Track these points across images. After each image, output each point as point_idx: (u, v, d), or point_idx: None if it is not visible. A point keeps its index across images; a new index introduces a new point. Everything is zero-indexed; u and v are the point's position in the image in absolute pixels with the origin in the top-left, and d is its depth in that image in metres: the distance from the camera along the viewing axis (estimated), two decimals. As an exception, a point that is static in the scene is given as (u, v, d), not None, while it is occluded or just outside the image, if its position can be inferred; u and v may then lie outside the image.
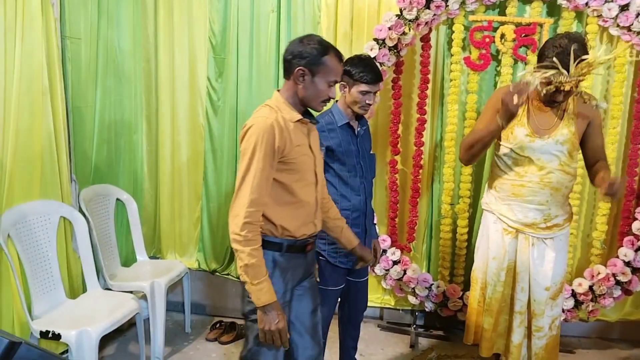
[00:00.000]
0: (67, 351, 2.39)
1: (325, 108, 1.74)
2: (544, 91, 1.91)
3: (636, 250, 2.77)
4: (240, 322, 3.05)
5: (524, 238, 2.12)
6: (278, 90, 1.67)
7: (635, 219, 2.81)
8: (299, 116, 1.62)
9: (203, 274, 3.23)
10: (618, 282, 2.82)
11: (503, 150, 2.13)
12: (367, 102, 2.09)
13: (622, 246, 2.84)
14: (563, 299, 2.50)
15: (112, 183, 2.97)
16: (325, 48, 1.59)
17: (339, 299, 2.38)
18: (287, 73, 1.62)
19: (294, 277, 1.69)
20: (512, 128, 2.06)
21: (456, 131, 2.88)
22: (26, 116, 2.35)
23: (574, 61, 1.82)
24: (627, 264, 2.80)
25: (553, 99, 1.95)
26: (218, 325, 3.03)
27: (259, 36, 2.95)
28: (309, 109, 1.69)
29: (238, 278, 3.17)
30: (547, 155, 2.03)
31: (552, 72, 1.85)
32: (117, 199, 2.94)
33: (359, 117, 2.21)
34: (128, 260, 3.02)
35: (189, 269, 3.10)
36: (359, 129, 2.20)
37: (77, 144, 2.78)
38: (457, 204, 2.97)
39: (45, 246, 2.38)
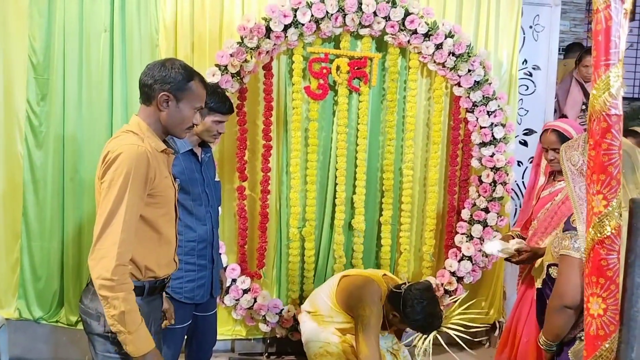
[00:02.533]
0: None
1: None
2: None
3: (459, 261, 3.11)
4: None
5: None
6: (136, 115, 1.53)
7: (457, 233, 3.18)
8: (164, 145, 1.51)
9: (26, 323, 2.80)
10: (446, 291, 3.14)
11: None
12: (219, 131, 2.08)
13: (448, 258, 3.17)
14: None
15: None
16: (190, 73, 1.51)
17: (189, 336, 2.26)
18: (148, 98, 1.49)
19: (155, 322, 1.56)
20: None
21: (300, 157, 2.97)
22: None
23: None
24: (453, 273, 3.14)
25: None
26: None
27: (89, 56, 2.71)
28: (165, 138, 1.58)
29: (69, 325, 2.84)
30: None
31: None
32: None
33: (203, 145, 2.16)
34: None
35: (7, 319, 2.68)
36: (202, 155, 2.14)
37: None
38: (303, 227, 3.04)
39: None
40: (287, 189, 3.02)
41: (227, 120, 2.11)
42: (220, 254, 2.53)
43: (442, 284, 3.13)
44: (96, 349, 1.45)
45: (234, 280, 2.94)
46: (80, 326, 2.77)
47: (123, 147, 1.39)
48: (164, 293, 1.71)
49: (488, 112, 3.02)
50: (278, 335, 3.06)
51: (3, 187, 2.75)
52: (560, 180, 2.17)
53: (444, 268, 3.16)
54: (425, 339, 2.38)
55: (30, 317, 2.79)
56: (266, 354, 3.07)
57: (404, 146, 3.10)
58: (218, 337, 2.44)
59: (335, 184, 3.03)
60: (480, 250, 3.05)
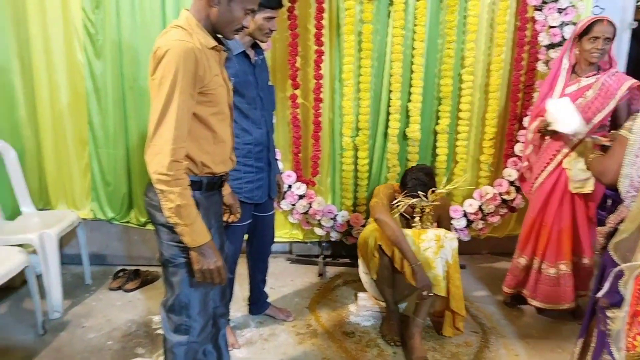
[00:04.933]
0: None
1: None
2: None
3: (519, 170, 3.02)
4: (144, 269, 2.97)
5: None
6: (187, 10, 1.48)
7: (518, 142, 3.05)
8: (214, 42, 1.46)
9: (100, 223, 3.05)
10: (504, 201, 3.08)
11: None
12: (270, 28, 2.02)
13: (507, 167, 3.08)
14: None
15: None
16: None
17: (249, 235, 2.38)
18: None
19: (215, 216, 1.62)
20: None
21: (353, 63, 2.88)
22: None
23: (430, 191, 2.34)
24: (511, 183, 3.06)
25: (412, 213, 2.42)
26: (121, 273, 2.91)
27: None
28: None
29: (139, 225, 3.06)
30: None
31: (415, 200, 2.34)
32: (-9, 148, 2.64)
33: (255, 46, 2.13)
34: (12, 213, 2.77)
35: (84, 219, 2.92)
36: (255, 58, 2.12)
37: None
38: (356, 136, 3.02)
39: None
40: (340, 97, 2.98)
41: (277, 16, 2.04)
42: (277, 159, 2.57)
43: (499, 194, 3.07)
44: (161, 238, 1.53)
45: (289, 187, 3.02)
46: (149, 226, 2.99)
47: (171, 43, 1.36)
48: (225, 189, 1.77)
49: (559, 9, 2.76)
50: (333, 239, 3.16)
51: (68, 96, 2.88)
52: (587, 76, 2.33)
53: (502, 177, 3.08)
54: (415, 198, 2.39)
55: (104, 217, 3.03)
56: (322, 256, 3.19)
57: (464, 49, 2.93)
58: (276, 240, 2.54)
59: (390, 92, 2.94)
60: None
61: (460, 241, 3.09)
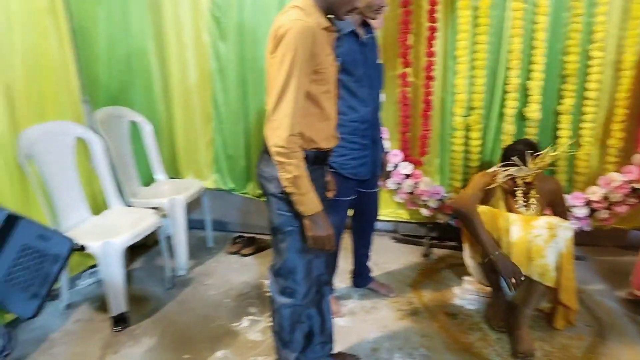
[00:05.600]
0: (95, 265, 2.56)
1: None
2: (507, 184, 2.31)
3: (653, 156, 2.72)
4: (259, 236, 3.19)
5: None
6: None
7: (653, 124, 2.75)
8: (327, 22, 1.52)
9: (221, 193, 3.33)
10: (634, 190, 2.81)
11: None
12: (380, 4, 2.03)
13: (638, 152, 2.79)
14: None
15: (125, 105, 3.02)
16: None
17: (354, 211, 2.45)
18: None
19: (319, 189, 1.68)
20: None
21: (468, 39, 2.78)
22: (32, 36, 2.35)
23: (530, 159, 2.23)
24: (643, 170, 2.77)
25: (514, 190, 2.33)
26: (238, 240, 3.17)
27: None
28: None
29: (256, 197, 3.29)
30: None
31: (514, 168, 2.26)
32: (132, 121, 3.00)
33: (365, 25, 2.16)
34: (148, 181, 3.13)
35: (208, 189, 3.21)
36: (365, 36, 2.15)
37: (85, 64, 2.80)
38: (469, 115, 2.93)
39: (64, 166, 2.48)
40: (453, 75, 2.90)
41: None
42: (382, 138, 2.59)
43: (629, 182, 2.80)
44: (271, 207, 1.65)
45: (395, 166, 3.03)
46: (262, 198, 3.20)
47: (291, 22, 1.43)
48: (326, 166, 1.86)
49: None
50: (440, 221, 3.13)
51: (196, 76, 3.14)
52: None
53: (633, 164, 2.80)
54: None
55: (225, 187, 3.30)
56: (427, 237, 3.18)
57: (594, 23, 2.68)
58: (382, 218, 2.58)
59: (507, 69, 2.80)
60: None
61: (581, 231, 2.91)
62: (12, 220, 0.51)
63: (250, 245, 3.11)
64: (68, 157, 2.50)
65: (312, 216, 1.53)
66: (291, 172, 1.46)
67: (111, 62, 2.96)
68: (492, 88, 2.88)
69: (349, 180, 2.20)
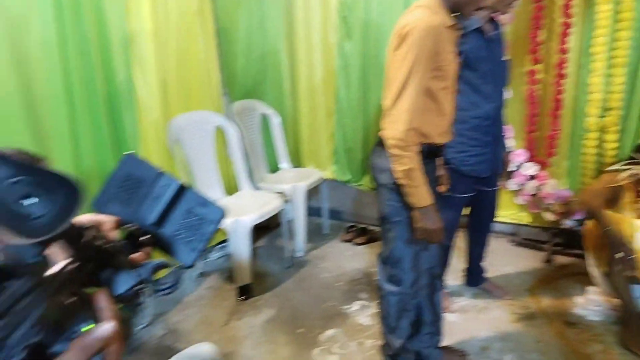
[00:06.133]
0: (226, 240, 2.86)
1: None
2: None
3: None
4: (372, 228, 3.29)
5: None
6: None
7: None
8: (452, 21, 1.56)
9: (338, 184, 3.48)
10: None
11: None
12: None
13: None
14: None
15: (258, 98, 3.30)
16: None
17: (471, 209, 2.43)
18: None
19: (430, 183, 1.72)
20: None
21: (607, 35, 2.59)
22: (183, 36, 2.68)
23: None
24: None
25: None
26: (352, 229, 3.30)
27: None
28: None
29: (371, 189, 3.39)
30: None
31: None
32: (263, 114, 3.27)
33: (492, 20, 2.13)
34: (274, 168, 3.38)
35: (326, 179, 3.38)
36: (492, 32, 2.13)
37: (226, 61, 3.11)
38: (604, 116, 2.73)
39: (205, 150, 2.79)
40: (587, 73, 2.72)
41: None
42: (505, 136, 2.53)
43: None
44: (382, 198, 1.72)
45: (519, 166, 2.93)
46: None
47: (416, 21, 1.48)
48: (439, 160, 1.87)
49: None
50: (564, 227, 2.96)
51: (321, 73, 3.33)
52: None
53: None
54: None
55: (342, 179, 3.45)
56: (550, 243, 3.02)
57: None
58: (501, 220, 2.52)
59: (652, 67, 2.56)
60: None
61: None
62: (182, 189, 0.66)
63: (363, 235, 3.22)
64: (208, 143, 2.82)
65: (422, 208, 1.57)
66: (406, 165, 1.52)
67: (248, 60, 3.26)
68: (632, 87, 2.65)
69: (467, 178, 2.18)
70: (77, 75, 2.07)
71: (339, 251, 3.12)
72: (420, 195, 1.56)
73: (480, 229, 2.51)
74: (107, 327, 0.52)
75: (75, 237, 0.52)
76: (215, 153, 2.85)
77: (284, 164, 3.34)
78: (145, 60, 2.39)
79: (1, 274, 0.46)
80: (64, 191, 0.46)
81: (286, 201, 2.94)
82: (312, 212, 3.43)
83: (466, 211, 2.37)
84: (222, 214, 0.67)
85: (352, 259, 3.01)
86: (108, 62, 2.25)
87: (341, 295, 2.60)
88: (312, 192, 3.23)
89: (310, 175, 3.20)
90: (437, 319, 1.90)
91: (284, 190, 2.96)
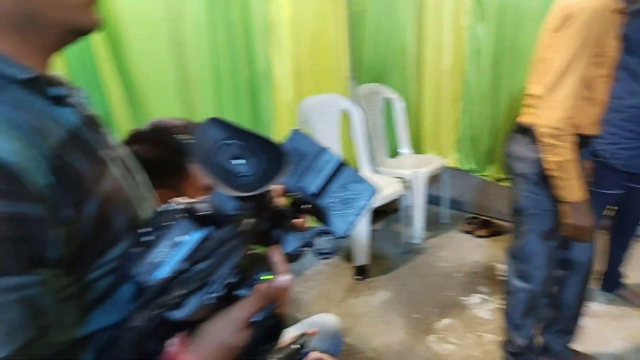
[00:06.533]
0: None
1: None
2: None
3: None
4: (495, 220, 3.16)
5: None
6: None
7: None
8: (620, 4, 1.42)
9: (460, 172, 3.38)
10: None
11: None
12: None
13: None
14: None
15: (383, 82, 3.30)
16: None
17: (616, 207, 2.23)
18: None
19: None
20: None
21: None
22: (316, 20, 2.75)
23: None
24: None
25: None
26: (473, 220, 3.19)
27: None
28: None
29: (496, 180, 3.25)
30: None
31: None
32: (386, 98, 3.27)
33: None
34: (393, 153, 3.38)
35: (448, 167, 3.29)
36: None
37: (354, 45, 3.14)
38: None
39: (330, 132, 2.87)
40: None
41: None
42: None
43: None
44: (517, 188, 1.63)
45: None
46: (503, 183, 3.14)
47: (585, 2, 1.37)
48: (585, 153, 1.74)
49: None
50: None
51: (450, 58, 3.22)
52: None
53: None
54: None
55: (465, 167, 3.34)
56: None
57: None
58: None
59: None
60: None
61: None
62: (341, 165, 0.70)
63: (485, 227, 3.10)
64: (333, 125, 2.89)
65: (575, 203, 1.47)
66: (561, 156, 1.42)
67: (375, 44, 3.27)
68: None
69: (617, 173, 1.99)
70: (224, 58, 2.24)
71: (459, 242, 3.04)
72: (574, 189, 1.46)
73: (624, 230, 2.30)
74: (286, 278, 0.58)
75: (260, 197, 0.58)
76: (340, 135, 2.91)
77: (405, 149, 3.32)
78: (282, 44, 2.52)
79: (206, 221, 0.53)
80: (270, 156, 0.51)
81: (406, 187, 2.92)
82: (431, 199, 3.37)
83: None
84: (374, 191, 0.70)
85: (473, 251, 2.92)
86: (250, 46, 2.40)
87: (459, 286, 2.55)
88: (432, 180, 3.17)
89: (431, 161, 3.14)
90: (574, 318, 1.79)
91: (404, 175, 2.95)
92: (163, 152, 1.06)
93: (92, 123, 0.59)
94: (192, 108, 2.16)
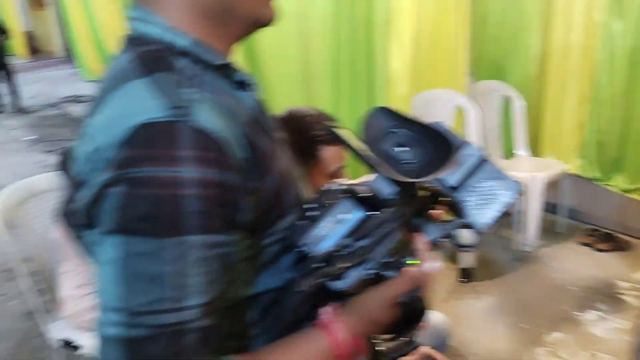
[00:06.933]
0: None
1: None
2: None
3: None
4: (618, 235, 2.90)
5: None
6: None
7: None
8: None
9: (581, 180, 3.14)
10: None
11: None
12: None
13: None
14: None
15: (502, 80, 3.16)
16: None
17: None
18: None
19: None
20: None
21: None
22: (438, 15, 2.70)
23: None
24: None
25: None
26: (594, 232, 2.96)
27: None
28: None
29: (623, 191, 2.98)
30: None
31: None
32: (505, 96, 3.12)
33: None
34: (507, 154, 3.22)
35: (568, 173, 3.08)
36: None
37: (475, 40, 3.04)
38: None
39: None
40: None
41: None
42: None
43: None
44: None
45: None
46: (630, 194, 2.88)
47: None
48: None
49: None
50: None
51: (578, 57, 2.97)
52: None
53: None
54: None
55: (588, 175, 3.10)
56: None
57: None
58: None
59: None
60: None
61: None
62: (483, 160, 0.69)
63: (607, 241, 2.86)
64: (447, 121, 2.82)
65: None
66: None
67: (497, 39, 3.15)
68: None
69: None
70: (344, 51, 2.30)
71: (575, 254, 2.84)
72: None
73: None
74: (435, 265, 0.59)
75: (414, 186, 0.60)
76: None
77: (521, 150, 3.15)
78: (402, 36, 2.52)
79: (365, 202, 0.56)
80: (437, 148, 0.53)
81: (521, 191, 2.78)
82: (547, 207, 3.18)
83: None
84: (518, 188, 0.69)
85: (591, 264, 2.71)
86: (370, 40, 2.44)
87: (574, 300, 2.38)
88: (549, 186, 2.99)
89: (550, 166, 2.95)
90: None
91: (520, 179, 2.80)
92: (298, 137, 1.12)
93: (263, 107, 0.65)
94: (310, 99, 2.25)
